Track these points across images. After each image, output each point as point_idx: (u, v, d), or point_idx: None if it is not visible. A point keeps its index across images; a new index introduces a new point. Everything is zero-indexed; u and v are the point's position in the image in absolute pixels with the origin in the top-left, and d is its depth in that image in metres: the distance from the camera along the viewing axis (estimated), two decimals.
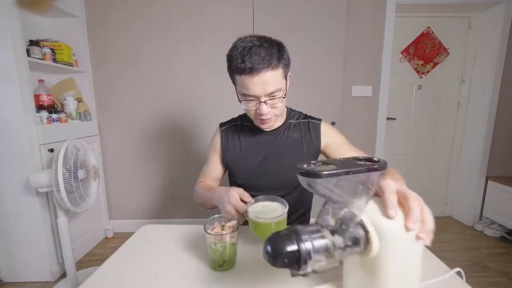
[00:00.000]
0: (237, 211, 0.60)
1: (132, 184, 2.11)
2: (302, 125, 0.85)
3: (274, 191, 0.81)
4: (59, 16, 1.78)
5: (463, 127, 2.27)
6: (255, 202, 0.62)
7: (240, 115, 0.92)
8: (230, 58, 0.69)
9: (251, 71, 0.64)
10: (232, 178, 0.89)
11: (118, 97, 1.99)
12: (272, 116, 0.73)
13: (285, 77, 0.71)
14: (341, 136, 0.84)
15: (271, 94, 0.67)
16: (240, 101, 0.73)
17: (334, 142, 0.82)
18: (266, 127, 0.78)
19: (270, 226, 0.55)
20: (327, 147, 0.83)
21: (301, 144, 0.83)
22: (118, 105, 2.00)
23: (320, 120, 0.86)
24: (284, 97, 0.71)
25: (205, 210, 0.86)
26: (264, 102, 0.68)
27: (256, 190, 0.82)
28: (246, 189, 0.68)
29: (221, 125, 0.90)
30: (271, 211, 0.59)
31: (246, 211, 0.58)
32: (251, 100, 0.69)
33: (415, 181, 2.35)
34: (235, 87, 0.74)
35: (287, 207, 0.57)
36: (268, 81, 0.66)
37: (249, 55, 0.64)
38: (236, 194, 0.61)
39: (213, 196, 0.71)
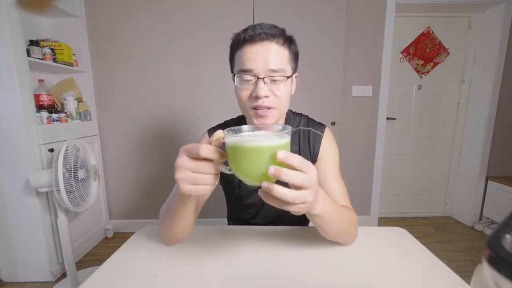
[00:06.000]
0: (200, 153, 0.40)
1: (132, 184, 2.11)
2: (302, 135, 0.72)
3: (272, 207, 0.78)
4: (59, 16, 1.78)
5: (463, 127, 2.27)
6: (233, 133, 0.38)
7: (233, 118, 0.78)
8: (233, 42, 0.61)
9: (253, 38, 0.55)
10: (228, 193, 0.80)
11: (118, 97, 1.99)
12: (271, 105, 0.58)
13: (292, 68, 0.61)
14: (336, 159, 0.71)
15: (273, 72, 0.55)
16: (233, 80, 0.61)
17: (324, 163, 0.70)
18: (261, 121, 0.60)
19: (269, 152, 0.33)
20: (316, 162, 0.71)
21: None
22: (118, 105, 2.00)
23: (323, 130, 0.72)
24: (288, 77, 0.58)
25: (205, 210, 0.82)
26: (263, 79, 0.55)
27: (252, 209, 0.77)
28: (243, 204, 0.60)
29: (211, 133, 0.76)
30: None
31: (220, 143, 0.39)
32: (248, 78, 0.56)
33: (415, 181, 2.34)
34: (232, 69, 0.63)
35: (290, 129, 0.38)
36: (271, 53, 0.55)
37: (254, 26, 0.56)
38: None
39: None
